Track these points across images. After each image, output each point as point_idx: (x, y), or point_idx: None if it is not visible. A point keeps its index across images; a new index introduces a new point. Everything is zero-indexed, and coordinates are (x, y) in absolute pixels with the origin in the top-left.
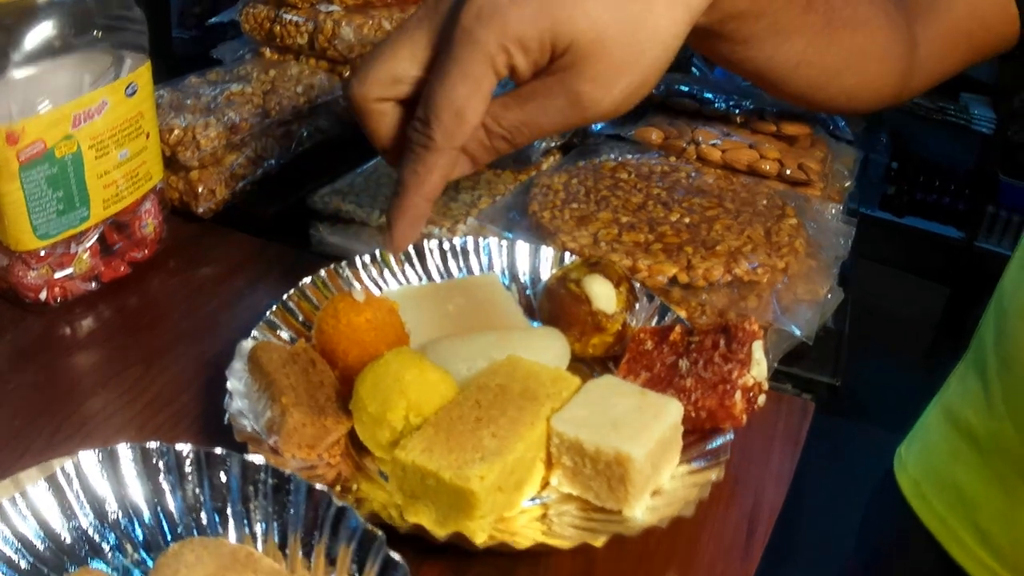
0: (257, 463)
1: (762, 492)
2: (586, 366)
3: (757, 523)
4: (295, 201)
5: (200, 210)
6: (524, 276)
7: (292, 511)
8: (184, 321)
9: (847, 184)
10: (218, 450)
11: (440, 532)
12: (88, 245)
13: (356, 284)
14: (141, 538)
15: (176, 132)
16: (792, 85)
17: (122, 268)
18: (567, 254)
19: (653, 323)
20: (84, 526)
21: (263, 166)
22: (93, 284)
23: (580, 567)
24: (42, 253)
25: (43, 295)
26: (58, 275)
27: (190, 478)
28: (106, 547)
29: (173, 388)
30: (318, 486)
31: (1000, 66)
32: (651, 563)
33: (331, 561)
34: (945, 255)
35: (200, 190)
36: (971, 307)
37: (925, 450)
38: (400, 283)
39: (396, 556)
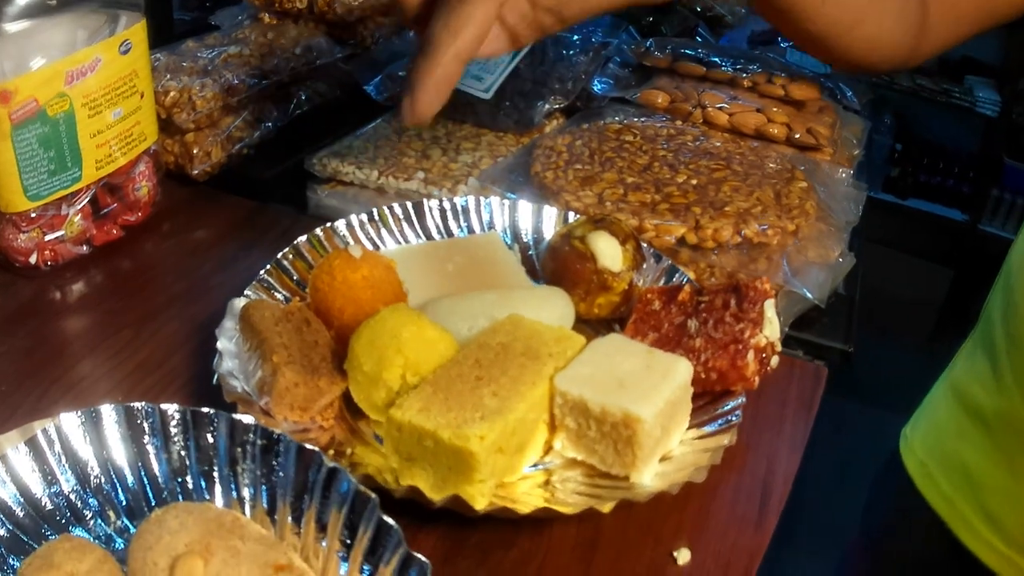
0: (246, 423)
1: (776, 459)
2: (591, 328)
3: (771, 491)
4: (292, 164)
5: (195, 172)
6: (527, 235)
7: (281, 474)
8: (176, 284)
9: (856, 152)
10: (205, 409)
11: (437, 496)
12: (80, 207)
13: (352, 242)
14: (124, 503)
15: (172, 94)
16: (818, 23)
17: (114, 231)
18: (571, 214)
19: (661, 284)
20: (66, 491)
21: (260, 129)
22: (84, 248)
23: (586, 535)
24: (33, 215)
25: (33, 259)
26: (49, 238)
27: (176, 439)
28: (88, 514)
29: (164, 351)
30: (309, 446)
31: (1008, 43)
32: (660, 531)
33: (321, 527)
34: (949, 238)
35: (195, 152)
36: (975, 290)
37: (932, 429)
38: (399, 243)
39: (390, 520)
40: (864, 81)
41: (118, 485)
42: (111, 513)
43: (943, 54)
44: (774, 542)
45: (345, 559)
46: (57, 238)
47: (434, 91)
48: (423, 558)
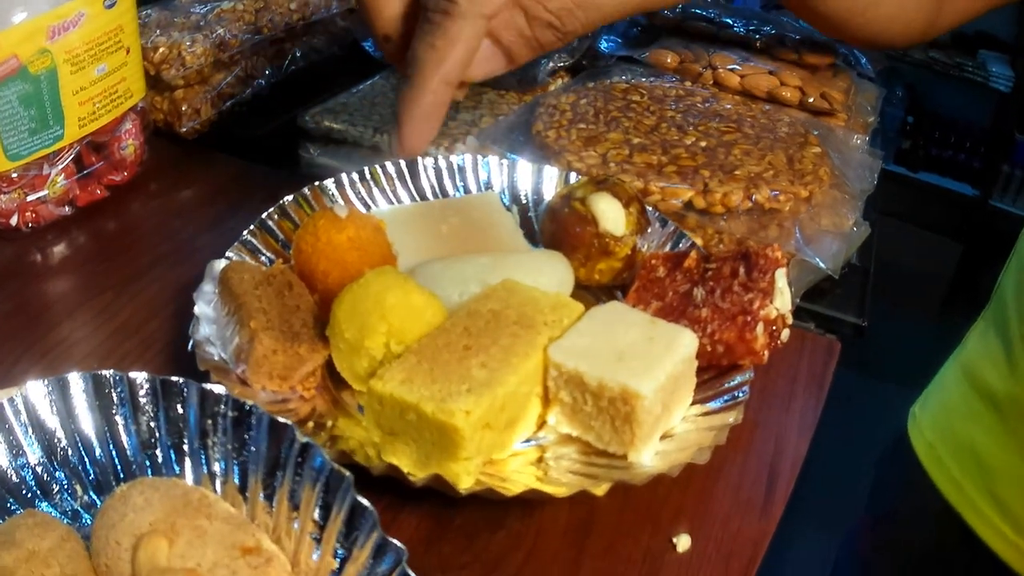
0: (216, 392)
1: (784, 439)
2: (591, 295)
3: (778, 474)
4: (285, 122)
5: (183, 129)
6: (526, 196)
7: (253, 448)
8: (160, 245)
9: (871, 119)
10: (175, 378)
11: (418, 475)
12: (62, 166)
13: (342, 202)
14: (92, 477)
15: (161, 50)
16: (833, 3)
17: (98, 191)
18: (573, 174)
19: (666, 250)
20: (32, 463)
21: (252, 85)
22: (67, 208)
23: (578, 518)
24: (14, 176)
25: (14, 220)
26: (31, 198)
27: (145, 410)
28: (55, 487)
29: (143, 314)
30: (281, 419)
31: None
32: (658, 516)
33: (294, 505)
34: (959, 212)
35: (184, 109)
36: (985, 265)
37: (941, 410)
38: (392, 203)
39: (364, 501)
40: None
41: (86, 458)
42: (78, 487)
43: (957, 28)
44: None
45: (319, 540)
46: (39, 199)
47: (423, 122)
48: (399, 544)
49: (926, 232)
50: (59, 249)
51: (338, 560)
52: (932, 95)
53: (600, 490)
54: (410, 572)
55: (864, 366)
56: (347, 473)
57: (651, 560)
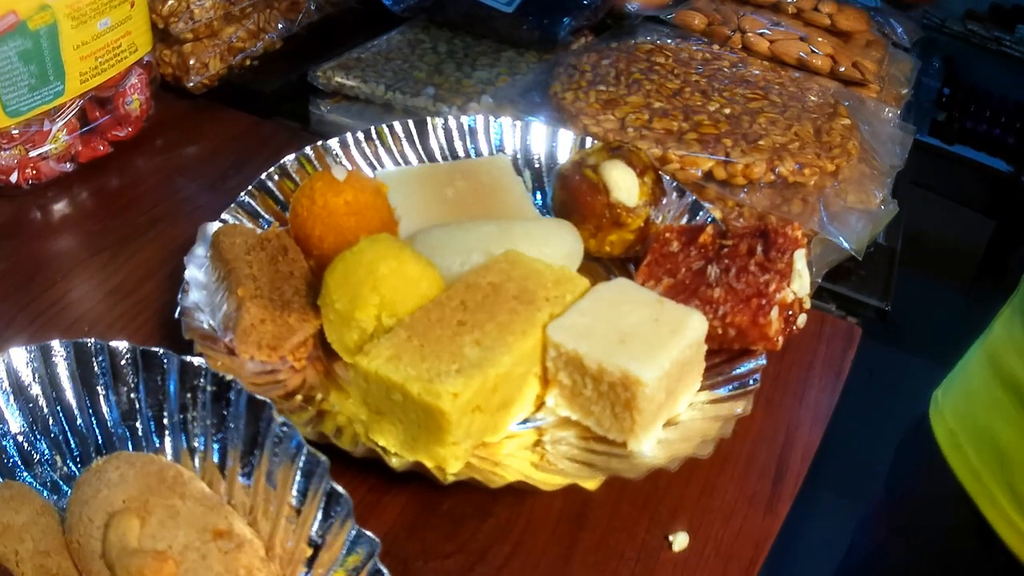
0: (196, 364)
1: (795, 431)
2: (603, 267)
3: (787, 468)
4: (297, 78)
5: (190, 84)
6: (539, 161)
7: (232, 425)
8: (161, 204)
9: (904, 91)
10: (155, 349)
11: (405, 457)
12: (65, 122)
13: (346, 163)
14: (73, 447)
15: (170, 3)
16: None
17: (101, 147)
18: (588, 139)
19: (683, 223)
20: (14, 432)
21: (263, 39)
22: (68, 165)
23: (572, 508)
24: (14, 132)
25: (14, 177)
26: (33, 154)
27: (127, 380)
28: (36, 457)
29: (138, 276)
30: (260, 396)
31: None
32: (656, 511)
33: (272, 486)
34: (992, 188)
35: (191, 62)
36: (1016, 243)
37: (964, 396)
38: (399, 164)
39: (339, 488)
40: (915, 19)
41: (67, 428)
42: (58, 458)
43: (996, 0)
44: (802, 488)
45: (294, 525)
46: (40, 155)
47: None
48: (373, 536)
49: (958, 206)
50: (59, 207)
51: (312, 547)
52: (970, 68)
53: (591, 484)
54: (382, 567)
55: (889, 341)
56: (323, 458)
57: (645, 558)
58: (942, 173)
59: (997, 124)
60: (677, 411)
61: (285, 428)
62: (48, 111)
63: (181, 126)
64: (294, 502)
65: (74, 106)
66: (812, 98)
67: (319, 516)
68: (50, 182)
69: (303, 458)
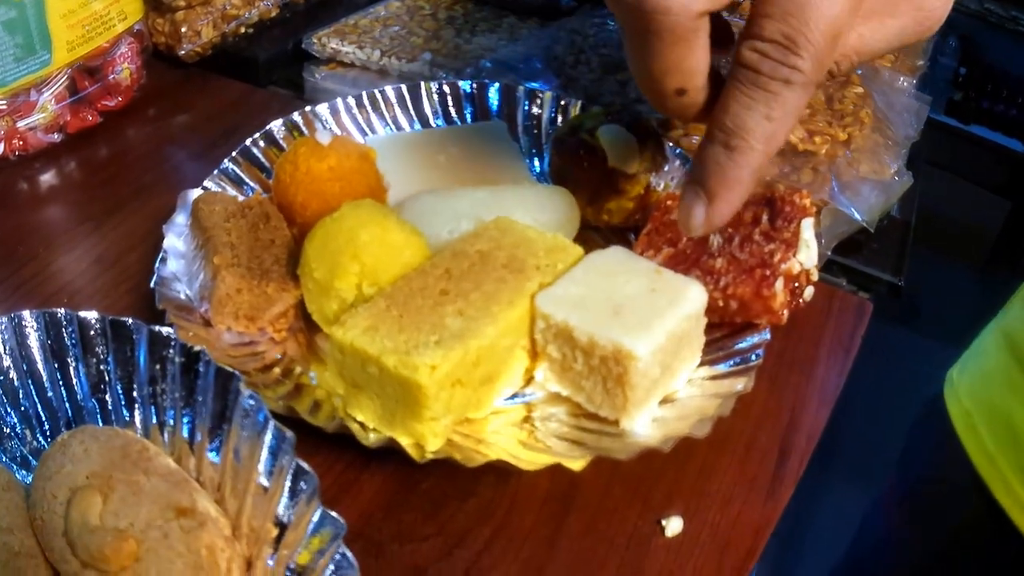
0: (165, 335)
1: (801, 411)
2: (601, 237)
3: (791, 450)
4: (292, 45)
5: (182, 52)
6: (537, 127)
7: (200, 398)
8: (148, 174)
9: (920, 63)
10: (125, 319)
11: (375, 437)
12: (52, 92)
13: (336, 129)
14: (43, 420)
15: None
16: None
17: (91, 117)
18: (589, 105)
19: None
20: None
21: (258, 6)
22: (56, 136)
23: (559, 489)
24: (1, 104)
25: (0, 149)
26: (20, 125)
27: (96, 352)
28: (7, 430)
29: (121, 246)
30: (228, 368)
31: None
32: (648, 494)
33: (239, 462)
34: (1009, 168)
35: (184, 30)
36: None
37: (980, 377)
38: (392, 130)
39: (305, 466)
40: None
41: (37, 401)
42: (28, 432)
43: None
44: (812, 470)
45: (261, 502)
46: (28, 125)
47: (739, 199)
48: (338, 516)
49: (974, 186)
50: (45, 178)
51: (279, 527)
52: (987, 47)
53: (576, 465)
54: (346, 551)
55: (904, 322)
56: (288, 432)
57: (636, 545)
58: (958, 153)
59: (1014, 104)
60: (675, 387)
61: (252, 401)
62: (35, 81)
63: (173, 95)
64: (262, 479)
65: (62, 76)
66: None
67: (286, 494)
68: (38, 153)
69: (270, 432)
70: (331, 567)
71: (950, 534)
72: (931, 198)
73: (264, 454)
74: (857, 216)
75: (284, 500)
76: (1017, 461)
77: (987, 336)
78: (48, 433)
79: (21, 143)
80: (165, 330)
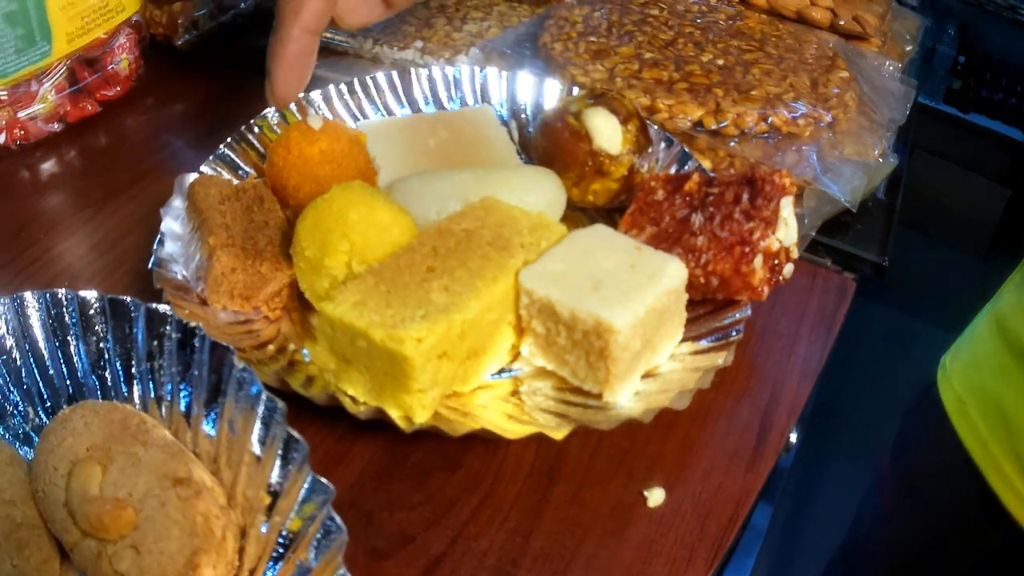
0: (162, 312)
1: (782, 386)
2: (587, 218)
3: (771, 425)
4: None
5: (179, 42)
6: (525, 111)
7: (196, 372)
8: (146, 160)
9: (908, 48)
10: (123, 297)
11: (362, 407)
12: (53, 82)
13: (329, 115)
14: (45, 398)
15: None
16: None
17: (90, 107)
18: (575, 89)
19: (671, 172)
20: None
21: None
22: (57, 125)
23: (545, 461)
24: (1, 95)
25: (1, 139)
26: (21, 115)
27: (96, 330)
28: (9, 408)
29: (119, 231)
30: (222, 343)
31: None
32: (631, 465)
33: (234, 433)
34: (1008, 157)
35: (181, 21)
36: None
37: (972, 363)
38: (383, 116)
39: (295, 434)
40: None
41: (39, 379)
42: (30, 410)
43: None
44: (809, 454)
45: (254, 471)
46: (29, 115)
47: (289, 71)
48: (327, 482)
49: (973, 174)
50: (46, 166)
51: (271, 495)
52: (986, 36)
53: (558, 435)
54: (334, 514)
55: (902, 308)
56: (280, 403)
57: (619, 514)
58: (957, 141)
59: (1013, 93)
60: (657, 362)
61: (245, 373)
62: (36, 72)
63: (170, 85)
64: (255, 449)
65: (62, 67)
66: (810, 51)
67: (278, 462)
68: (38, 142)
69: (263, 404)
70: (320, 531)
71: (943, 517)
72: (930, 186)
73: (257, 424)
74: (839, 195)
75: (276, 468)
76: (1009, 445)
77: (979, 322)
78: (50, 410)
79: (22, 132)
80: (162, 307)
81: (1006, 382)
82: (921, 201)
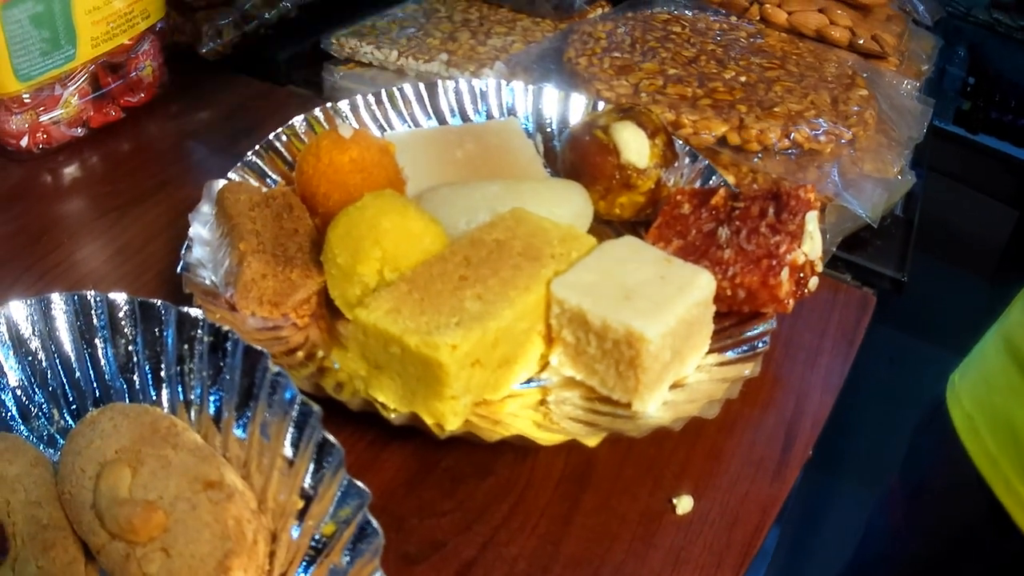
0: (194, 315)
1: (806, 397)
2: (613, 231)
3: (796, 435)
4: (311, 45)
5: (203, 51)
6: (551, 124)
7: (227, 376)
8: (170, 167)
9: (925, 68)
10: (154, 300)
11: (396, 415)
12: (76, 87)
13: (355, 125)
14: (70, 400)
15: None
16: None
17: (113, 112)
18: (601, 103)
19: (695, 187)
20: (12, 385)
21: (278, 7)
22: (80, 130)
23: (575, 469)
24: (25, 97)
25: (24, 142)
26: (44, 119)
27: (124, 332)
28: (34, 410)
29: (144, 236)
30: (257, 346)
31: None
32: (660, 473)
33: (266, 438)
34: (1017, 178)
35: (205, 29)
36: None
37: (981, 381)
38: (410, 127)
39: (331, 438)
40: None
41: (65, 381)
42: (55, 412)
43: None
44: (817, 468)
45: (287, 477)
46: (52, 119)
47: None
48: (363, 486)
49: (982, 195)
50: (69, 171)
51: (304, 499)
52: (995, 57)
53: (592, 441)
54: (371, 519)
55: (910, 327)
56: (315, 407)
57: (648, 521)
58: (966, 162)
59: (1022, 114)
60: (684, 373)
61: (280, 377)
62: (59, 76)
63: (194, 93)
64: (287, 453)
65: (85, 71)
66: (830, 69)
67: (311, 467)
68: (61, 146)
69: (296, 408)
70: (355, 535)
71: (953, 533)
72: (939, 206)
73: (290, 428)
74: (860, 211)
75: (310, 473)
76: (1019, 462)
77: (988, 341)
78: (75, 412)
79: (45, 136)
80: (193, 311)
81: (1015, 400)
82: (929, 220)
